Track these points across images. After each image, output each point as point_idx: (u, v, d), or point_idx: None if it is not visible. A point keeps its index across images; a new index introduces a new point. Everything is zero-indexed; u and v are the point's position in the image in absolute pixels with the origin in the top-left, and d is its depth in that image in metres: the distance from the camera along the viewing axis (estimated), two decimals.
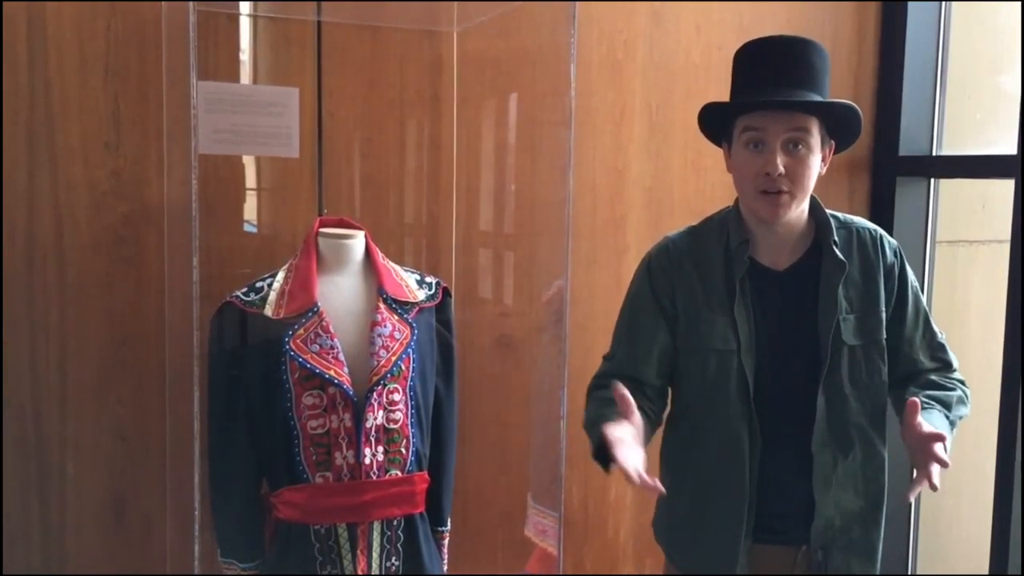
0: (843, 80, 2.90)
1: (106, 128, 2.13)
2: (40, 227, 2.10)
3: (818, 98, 1.66)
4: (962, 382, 1.82)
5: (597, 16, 2.56)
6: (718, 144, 1.80)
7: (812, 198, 1.75)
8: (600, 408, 1.71)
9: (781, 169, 1.63)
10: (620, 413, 1.55)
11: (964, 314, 3.15)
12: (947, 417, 1.72)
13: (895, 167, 2.88)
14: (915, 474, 1.57)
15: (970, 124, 3.06)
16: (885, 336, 1.76)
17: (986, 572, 2.51)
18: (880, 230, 1.82)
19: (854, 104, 1.68)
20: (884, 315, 1.76)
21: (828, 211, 1.78)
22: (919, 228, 2.92)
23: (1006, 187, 2.49)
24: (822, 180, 1.71)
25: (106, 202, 2.14)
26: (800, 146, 1.65)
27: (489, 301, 2.58)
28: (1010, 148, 2.52)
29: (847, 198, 2.93)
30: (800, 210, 1.72)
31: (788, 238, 1.75)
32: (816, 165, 1.68)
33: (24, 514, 2.14)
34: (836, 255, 1.72)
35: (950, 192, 2.97)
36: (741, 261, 1.73)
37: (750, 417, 1.71)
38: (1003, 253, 2.48)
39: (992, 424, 2.49)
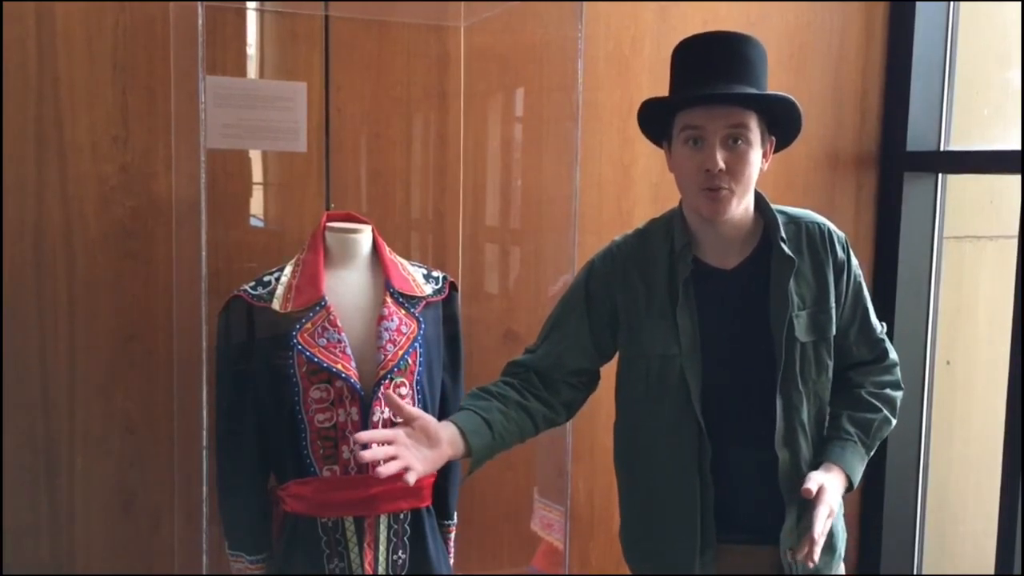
0: (851, 76, 2.90)
1: (114, 123, 2.14)
2: (48, 221, 2.11)
3: (755, 92, 1.63)
4: (895, 384, 1.82)
5: (604, 12, 2.56)
6: (659, 144, 1.77)
7: (758, 194, 1.72)
8: (466, 401, 1.71)
9: (721, 165, 1.59)
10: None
11: (971, 310, 3.14)
12: (864, 444, 1.75)
13: (903, 163, 2.88)
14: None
15: (978, 120, 3.06)
16: (834, 332, 1.75)
17: (992, 571, 2.51)
18: (829, 224, 1.78)
19: (791, 97, 1.64)
20: (835, 311, 1.74)
21: (776, 206, 1.75)
22: (926, 224, 2.91)
23: (1014, 183, 2.49)
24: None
25: (114, 196, 2.15)
26: (740, 141, 1.61)
27: (496, 296, 2.59)
28: (1018, 144, 2.52)
29: (854, 193, 2.93)
30: (744, 207, 1.68)
31: (734, 236, 1.71)
32: (757, 160, 1.65)
33: (33, 507, 2.15)
34: (784, 251, 1.69)
35: (958, 188, 2.97)
36: (685, 263, 1.70)
37: (694, 421, 1.68)
38: (1011, 249, 2.48)
39: (998, 421, 2.49)
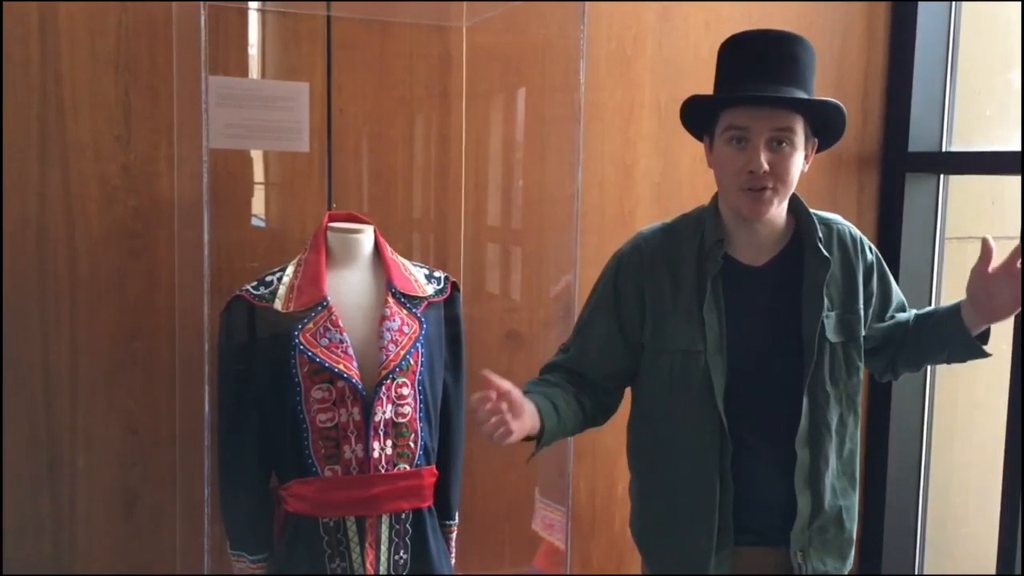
0: (853, 76, 2.90)
1: (117, 122, 2.14)
2: (51, 221, 2.11)
3: (803, 95, 1.62)
4: None
5: (606, 12, 2.56)
6: (699, 138, 1.77)
7: (793, 194, 1.73)
8: (530, 385, 1.73)
9: (765, 167, 1.60)
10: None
11: None
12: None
13: (905, 163, 2.87)
14: None
15: (980, 120, 3.06)
16: (864, 333, 1.76)
17: (994, 571, 2.51)
18: (857, 230, 1.81)
19: (840, 104, 1.65)
20: (863, 312, 1.75)
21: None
22: (928, 224, 2.91)
23: (1016, 184, 2.49)
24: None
25: (117, 196, 2.15)
26: (784, 144, 1.62)
27: (497, 296, 2.59)
28: (1020, 145, 2.51)
29: (856, 193, 2.93)
30: (781, 207, 1.70)
31: (768, 235, 1.72)
32: (799, 163, 1.66)
33: (35, 506, 2.15)
34: (821, 252, 1.70)
35: (960, 188, 2.96)
36: (715, 260, 1.70)
37: (717, 419, 1.68)
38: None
39: (1000, 421, 2.49)
